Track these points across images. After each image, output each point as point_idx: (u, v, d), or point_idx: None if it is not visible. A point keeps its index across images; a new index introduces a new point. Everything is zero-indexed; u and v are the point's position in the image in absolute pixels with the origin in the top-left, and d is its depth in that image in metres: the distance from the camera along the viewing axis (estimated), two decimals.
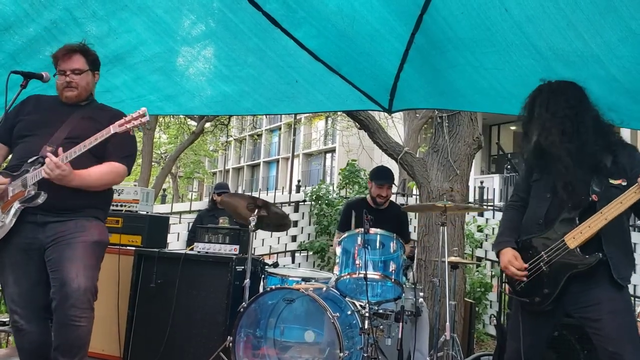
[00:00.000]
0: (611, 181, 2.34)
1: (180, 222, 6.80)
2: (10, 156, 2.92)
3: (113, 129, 2.52)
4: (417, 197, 6.52)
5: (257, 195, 7.60)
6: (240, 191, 32.77)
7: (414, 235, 6.05)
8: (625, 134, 14.74)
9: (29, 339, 2.66)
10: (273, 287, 3.39)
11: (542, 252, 2.41)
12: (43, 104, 2.82)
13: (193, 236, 5.61)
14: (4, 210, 2.63)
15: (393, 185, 4.41)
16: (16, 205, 2.60)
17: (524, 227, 2.56)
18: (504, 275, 2.60)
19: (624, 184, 2.30)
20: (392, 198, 8.32)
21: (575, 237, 2.32)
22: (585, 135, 2.36)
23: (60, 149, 2.52)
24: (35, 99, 2.82)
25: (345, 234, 3.48)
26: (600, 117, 2.44)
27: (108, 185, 2.82)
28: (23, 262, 2.64)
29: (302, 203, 7.90)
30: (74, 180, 2.56)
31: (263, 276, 3.74)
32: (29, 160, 2.63)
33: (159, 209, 7.17)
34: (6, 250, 2.64)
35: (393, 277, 3.30)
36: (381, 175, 4.39)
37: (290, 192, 8.44)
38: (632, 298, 5.52)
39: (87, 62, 2.80)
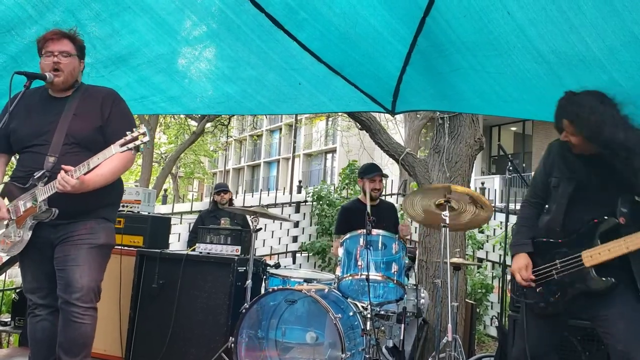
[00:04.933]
0: (637, 198, 2.32)
1: (181, 223, 6.80)
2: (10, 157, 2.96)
3: (114, 149, 2.52)
4: None
5: (258, 196, 7.64)
6: (240, 191, 32.76)
7: (415, 236, 6.05)
8: None
9: (42, 326, 2.76)
10: (275, 288, 3.40)
11: (557, 260, 2.41)
12: (32, 105, 2.78)
13: (194, 237, 5.61)
14: (19, 225, 2.69)
15: (382, 178, 4.52)
16: (29, 221, 2.66)
17: (542, 229, 2.54)
18: (512, 277, 2.59)
19: None
20: (393, 198, 8.37)
21: (592, 257, 2.30)
22: (620, 148, 2.27)
23: (71, 168, 2.51)
24: (23, 101, 2.69)
25: (348, 235, 3.49)
26: (629, 125, 2.33)
27: (122, 173, 2.84)
28: (38, 259, 2.74)
29: (304, 203, 7.90)
30: (88, 188, 2.58)
31: (265, 277, 3.75)
32: (36, 175, 2.64)
33: (160, 209, 7.17)
34: (24, 250, 2.71)
35: (395, 278, 3.31)
36: (370, 169, 4.49)
37: (291, 193, 8.44)
38: None
39: (75, 48, 2.77)
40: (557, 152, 2.55)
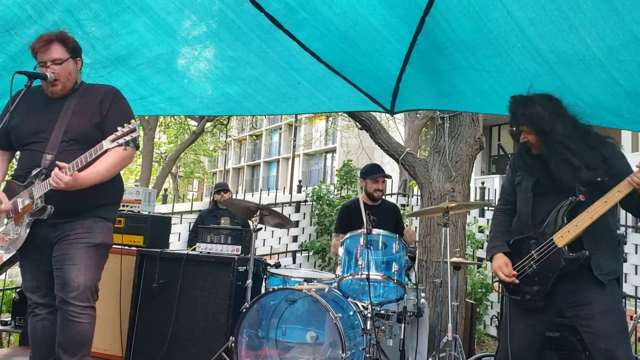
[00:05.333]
0: (595, 179, 2.40)
1: (181, 223, 6.80)
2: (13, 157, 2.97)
3: (105, 144, 2.51)
4: (418, 197, 6.52)
5: (258, 196, 7.65)
6: (240, 191, 32.77)
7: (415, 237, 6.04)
8: (626, 136, 14.76)
9: (42, 326, 2.76)
10: (275, 287, 3.40)
11: (533, 251, 2.50)
12: (32, 103, 2.77)
13: (194, 236, 5.61)
14: (17, 222, 2.70)
15: (386, 178, 4.52)
16: (27, 218, 2.67)
17: (515, 229, 2.65)
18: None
19: (606, 178, 2.39)
20: (394, 198, 8.37)
21: (563, 236, 2.41)
22: (568, 142, 2.44)
23: (65, 164, 2.51)
24: (23, 99, 2.71)
25: (348, 235, 3.49)
26: (578, 121, 2.54)
27: (119, 170, 2.83)
28: (38, 258, 2.75)
29: (304, 203, 7.91)
30: (83, 185, 2.57)
31: (265, 277, 3.75)
32: (33, 173, 2.65)
33: (160, 209, 7.18)
34: (23, 249, 2.72)
35: (395, 277, 3.31)
36: (374, 170, 4.51)
37: (291, 193, 8.44)
38: (634, 300, 5.53)
39: (66, 51, 2.73)
40: (518, 155, 2.71)
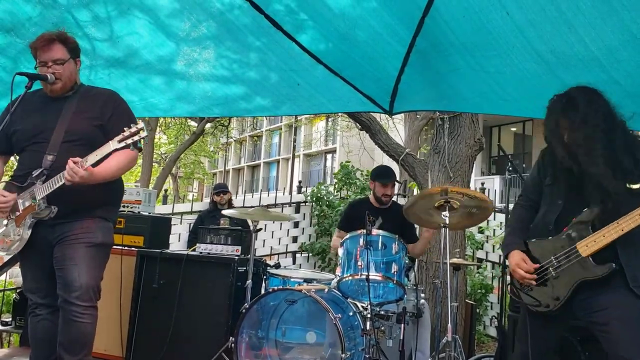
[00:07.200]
0: (630, 186, 2.24)
1: (181, 223, 6.81)
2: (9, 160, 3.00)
3: (113, 145, 2.52)
4: None
5: (258, 196, 7.65)
6: (240, 192, 32.79)
7: None
8: None
9: (43, 326, 2.76)
10: (275, 288, 3.41)
11: (552, 257, 2.34)
12: (31, 105, 2.77)
13: (194, 237, 5.62)
14: (18, 223, 2.70)
15: (396, 184, 4.42)
16: (29, 219, 2.66)
17: (533, 230, 2.49)
18: (511, 278, 2.51)
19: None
20: (393, 198, 8.35)
21: (588, 246, 2.23)
22: (614, 145, 2.28)
23: (79, 159, 2.51)
24: (22, 102, 2.68)
25: (348, 235, 3.49)
26: (617, 117, 2.36)
27: (126, 171, 2.85)
28: (39, 260, 2.74)
29: (304, 204, 7.91)
30: (97, 179, 2.57)
31: (265, 277, 3.76)
32: (34, 174, 2.65)
33: (160, 209, 7.18)
34: (24, 250, 2.71)
35: (395, 278, 3.32)
36: (384, 174, 4.34)
37: (291, 193, 8.44)
38: None
39: (67, 51, 2.73)
40: (550, 154, 2.50)
